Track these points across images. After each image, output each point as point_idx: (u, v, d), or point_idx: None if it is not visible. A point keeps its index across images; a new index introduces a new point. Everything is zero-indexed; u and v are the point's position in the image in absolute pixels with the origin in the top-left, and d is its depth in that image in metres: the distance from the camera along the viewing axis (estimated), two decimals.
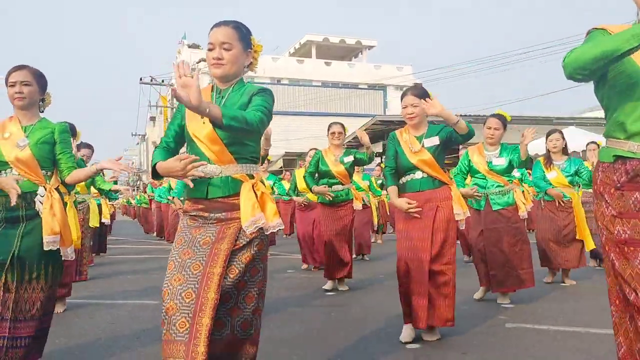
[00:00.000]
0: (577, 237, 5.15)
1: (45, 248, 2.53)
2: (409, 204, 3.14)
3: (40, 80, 2.69)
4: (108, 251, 9.91)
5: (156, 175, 2.05)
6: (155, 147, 2.20)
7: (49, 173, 2.69)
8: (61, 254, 2.64)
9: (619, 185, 1.61)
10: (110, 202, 12.38)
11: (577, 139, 9.54)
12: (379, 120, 17.28)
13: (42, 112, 2.82)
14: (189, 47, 31.71)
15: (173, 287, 1.91)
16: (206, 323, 1.85)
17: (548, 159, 5.31)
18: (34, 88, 2.65)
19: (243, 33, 2.09)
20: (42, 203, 2.59)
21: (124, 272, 6.84)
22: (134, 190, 42.52)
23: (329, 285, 5.11)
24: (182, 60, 1.86)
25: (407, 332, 3.22)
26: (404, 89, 3.40)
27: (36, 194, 2.60)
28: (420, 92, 3.27)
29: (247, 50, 2.11)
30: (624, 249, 1.59)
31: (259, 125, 1.91)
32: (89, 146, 5.71)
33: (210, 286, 1.89)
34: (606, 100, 1.66)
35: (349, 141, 18.51)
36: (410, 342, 3.16)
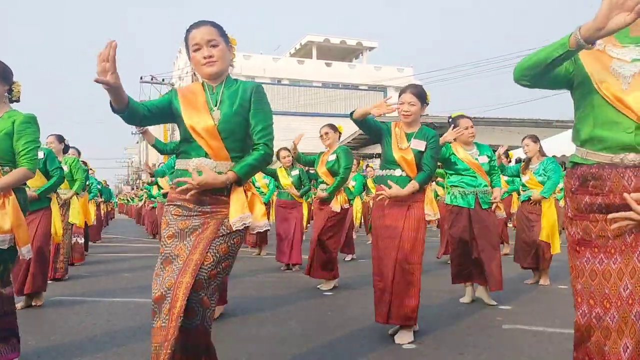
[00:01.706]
0: (541, 238, 5.18)
1: None
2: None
3: None
4: (106, 248, 9.91)
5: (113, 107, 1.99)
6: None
7: (5, 169, 2.58)
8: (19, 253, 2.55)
9: (573, 189, 1.71)
10: (110, 201, 12.45)
11: None
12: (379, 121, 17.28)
13: (18, 101, 2.78)
14: None
15: (162, 278, 1.96)
16: (179, 305, 1.88)
17: (526, 164, 5.40)
18: None
19: (222, 29, 2.13)
20: None
21: (121, 269, 6.83)
22: (132, 189, 42.48)
23: (323, 284, 5.16)
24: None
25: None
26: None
27: None
28: (419, 92, 3.31)
29: (228, 45, 2.16)
30: (577, 249, 1.69)
31: (270, 155, 2.11)
32: (56, 136, 5.56)
33: (187, 271, 1.93)
34: (574, 104, 1.76)
35: (348, 142, 18.53)
36: (407, 342, 3.17)
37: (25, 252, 2.56)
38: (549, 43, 1.61)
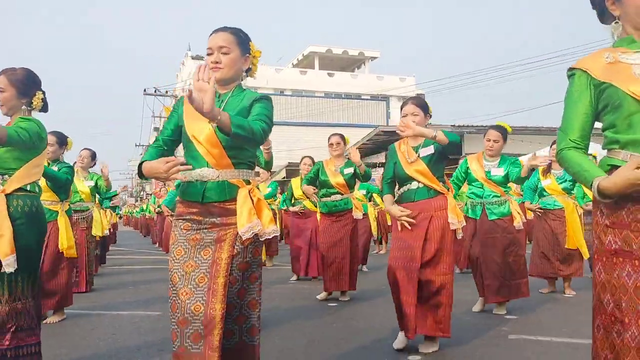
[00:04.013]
0: (567, 246, 5.14)
1: None
2: (401, 211, 3.16)
3: (18, 84, 2.60)
4: (111, 261, 9.91)
5: (141, 174, 2.05)
6: (149, 145, 2.19)
7: (5, 177, 2.50)
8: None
9: None
10: (116, 213, 12.53)
11: None
12: (382, 131, 17.32)
13: (45, 111, 2.77)
14: (193, 58, 31.94)
15: (182, 301, 1.95)
16: (217, 334, 1.89)
17: (548, 167, 5.33)
18: (10, 94, 2.58)
19: (241, 38, 2.13)
20: None
21: (127, 282, 6.83)
22: (136, 200, 42.58)
23: (322, 295, 5.14)
24: (204, 64, 1.87)
25: (400, 339, 3.27)
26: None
27: None
28: (421, 103, 3.32)
29: (245, 55, 2.14)
30: (612, 260, 1.59)
31: (262, 136, 1.94)
32: (91, 152, 5.71)
33: (216, 297, 1.92)
34: (605, 123, 1.71)
35: None
36: (402, 349, 3.16)
37: (6, 264, 2.40)
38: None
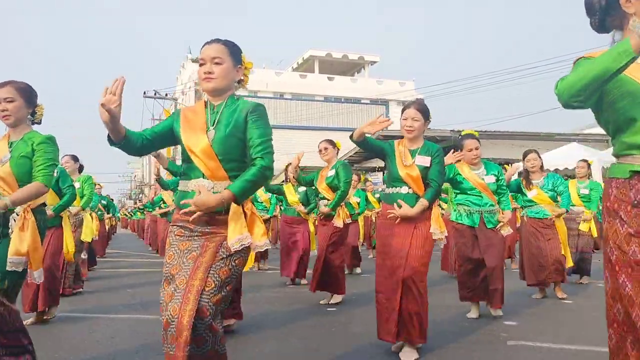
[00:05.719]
0: (562, 253, 5.25)
1: (8, 268, 2.42)
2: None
3: (25, 94, 2.63)
4: (109, 264, 9.90)
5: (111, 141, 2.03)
6: None
7: None
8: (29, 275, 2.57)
9: (635, 202, 1.53)
10: (114, 216, 12.49)
11: (578, 155, 9.54)
12: (381, 135, 17.30)
13: (39, 124, 2.81)
14: (193, 61, 31.97)
15: (165, 302, 1.97)
16: (185, 336, 1.85)
17: (527, 179, 5.37)
18: (19, 103, 2.61)
19: (233, 49, 2.17)
20: (15, 221, 2.50)
21: (124, 285, 6.81)
22: (135, 203, 42.53)
23: (324, 300, 5.18)
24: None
25: (399, 343, 3.28)
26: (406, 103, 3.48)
27: (13, 212, 2.52)
28: (423, 108, 3.34)
29: (237, 66, 2.19)
30: (639, 269, 1.50)
31: (268, 173, 2.04)
32: (71, 156, 5.71)
33: (189, 298, 1.90)
34: (612, 124, 1.61)
35: (350, 156, 18.56)
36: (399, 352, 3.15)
37: (37, 276, 2.58)
38: (590, 57, 1.46)
